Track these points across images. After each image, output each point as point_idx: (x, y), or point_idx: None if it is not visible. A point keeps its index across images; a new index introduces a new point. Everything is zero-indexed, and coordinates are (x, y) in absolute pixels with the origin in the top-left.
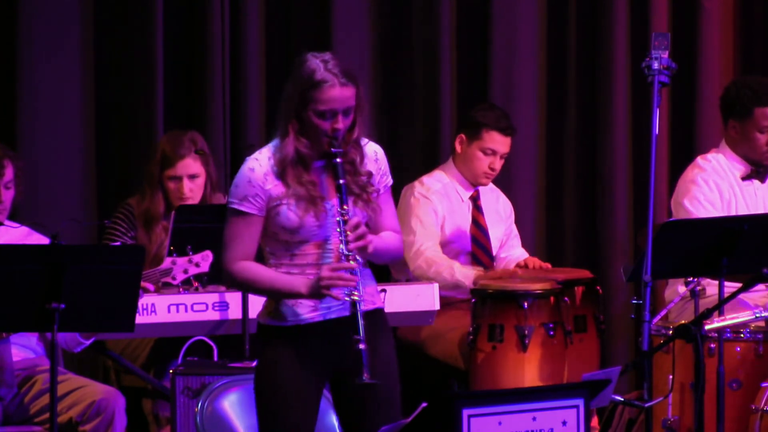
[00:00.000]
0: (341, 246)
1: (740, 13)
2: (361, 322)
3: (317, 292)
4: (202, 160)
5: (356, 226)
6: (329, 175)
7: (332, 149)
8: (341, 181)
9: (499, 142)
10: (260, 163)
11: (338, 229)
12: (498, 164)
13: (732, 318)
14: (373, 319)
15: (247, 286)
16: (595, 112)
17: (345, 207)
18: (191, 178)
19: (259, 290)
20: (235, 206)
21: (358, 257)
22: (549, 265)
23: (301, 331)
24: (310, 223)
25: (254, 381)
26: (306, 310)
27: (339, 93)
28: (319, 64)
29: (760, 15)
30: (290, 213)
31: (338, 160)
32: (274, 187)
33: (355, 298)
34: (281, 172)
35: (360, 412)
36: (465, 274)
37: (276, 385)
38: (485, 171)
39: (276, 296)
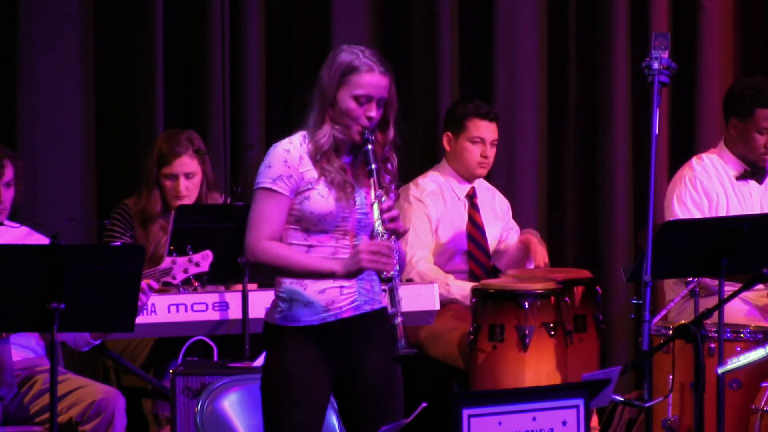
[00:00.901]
0: (376, 226)
1: (740, 13)
2: (398, 296)
3: (354, 270)
4: (199, 159)
5: (389, 209)
6: (357, 169)
7: (365, 136)
8: (373, 166)
9: (484, 129)
10: (294, 146)
11: (374, 206)
12: (490, 152)
13: (745, 358)
14: (377, 319)
15: (273, 265)
16: (595, 112)
17: (380, 189)
18: (188, 176)
19: (287, 268)
20: (267, 185)
21: (393, 238)
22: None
23: (314, 331)
24: (337, 211)
25: (262, 381)
26: (319, 311)
27: (377, 80)
28: (356, 52)
29: (760, 15)
30: (321, 199)
31: (369, 147)
32: (308, 171)
33: (391, 273)
34: (316, 159)
35: (362, 412)
36: (460, 290)
37: (286, 386)
38: (478, 161)
39: (305, 276)
